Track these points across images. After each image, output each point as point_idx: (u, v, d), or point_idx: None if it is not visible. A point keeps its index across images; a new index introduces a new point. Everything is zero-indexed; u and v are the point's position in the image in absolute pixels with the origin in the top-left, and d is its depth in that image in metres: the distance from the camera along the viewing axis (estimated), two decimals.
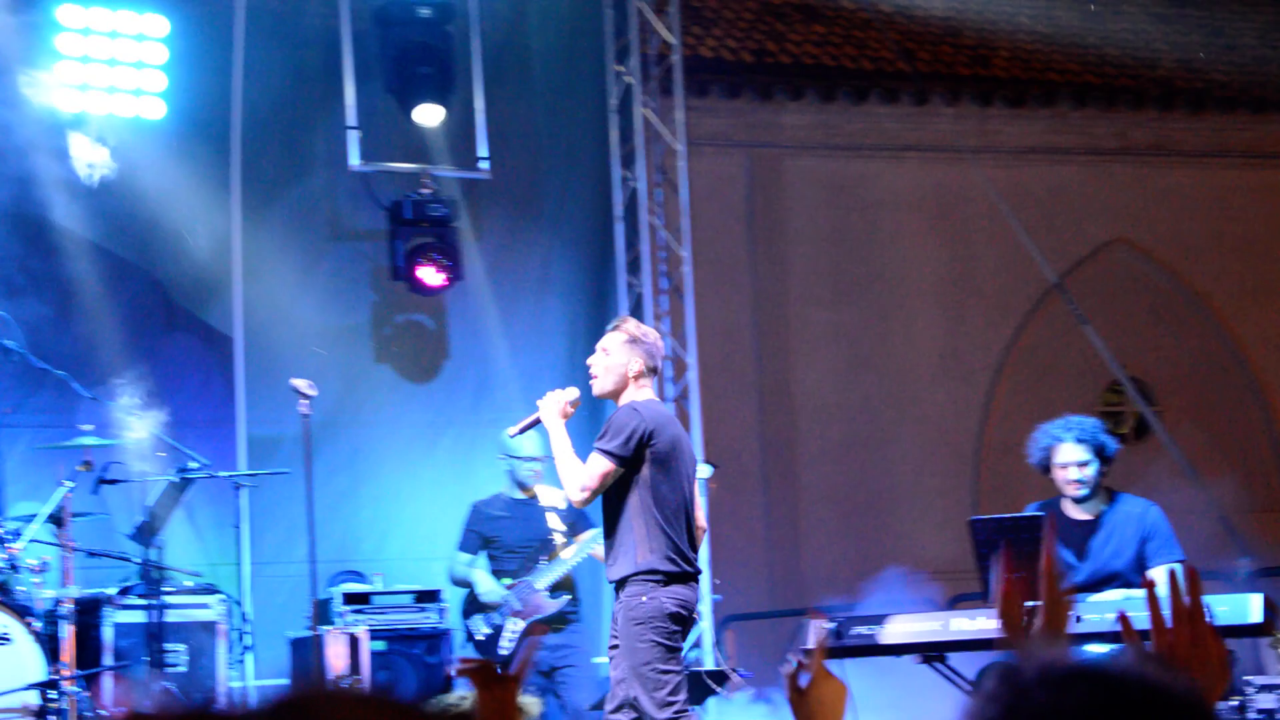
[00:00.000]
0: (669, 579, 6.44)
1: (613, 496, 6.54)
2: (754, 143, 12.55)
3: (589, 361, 6.70)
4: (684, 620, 6.53)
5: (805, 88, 12.67)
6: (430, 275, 10.39)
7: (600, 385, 6.63)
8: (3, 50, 9.63)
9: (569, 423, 6.65)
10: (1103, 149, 13.62)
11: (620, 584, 6.51)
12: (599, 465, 6.48)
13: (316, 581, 8.33)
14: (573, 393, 6.67)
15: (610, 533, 6.56)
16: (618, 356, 6.57)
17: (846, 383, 12.47)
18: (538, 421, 6.70)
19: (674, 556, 6.46)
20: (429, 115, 10.37)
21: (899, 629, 6.47)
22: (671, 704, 6.32)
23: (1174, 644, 2.13)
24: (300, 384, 8.18)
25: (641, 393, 6.62)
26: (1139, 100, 13.70)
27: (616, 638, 6.52)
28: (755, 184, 12.49)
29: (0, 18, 9.59)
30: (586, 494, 6.50)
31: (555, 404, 6.61)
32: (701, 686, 9.26)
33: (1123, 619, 2.28)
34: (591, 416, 8.56)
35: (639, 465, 6.47)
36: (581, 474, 6.50)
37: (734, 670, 9.81)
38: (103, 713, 7.81)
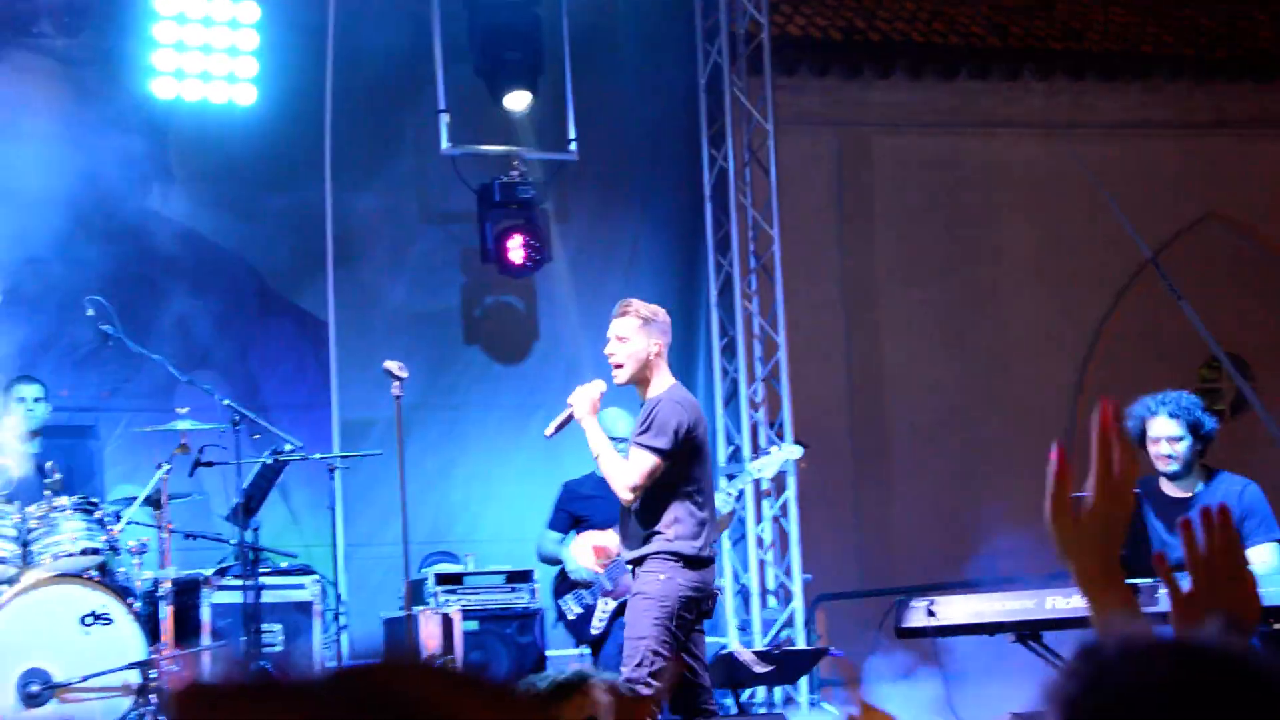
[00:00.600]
0: (688, 562, 6.45)
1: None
2: (843, 121, 12.48)
3: (608, 351, 6.60)
4: (697, 604, 6.52)
5: (895, 65, 12.58)
6: (519, 257, 10.44)
7: (625, 374, 6.56)
8: (103, 39, 9.76)
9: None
10: (1198, 122, 13.43)
11: (639, 560, 6.51)
12: (646, 462, 6.46)
13: (409, 562, 8.39)
14: (599, 386, 6.64)
15: (641, 513, 6.52)
16: (638, 341, 6.52)
17: (938, 361, 12.39)
18: (571, 418, 6.68)
19: (697, 543, 6.46)
20: (517, 101, 10.41)
21: (993, 607, 6.43)
22: (649, 686, 6.31)
23: (1211, 577, 2.09)
24: (392, 366, 8.23)
25: (665, 375, 6.60)
26: (1236, 72, 13.49)
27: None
28: (844, 162, 12.43)
29: (95, 9, 9.73)
30: (635, 492, 6.48)
31: (587, 399, 6.58)
32: (795, 665, 9.24)
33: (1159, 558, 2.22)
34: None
35: (680, 457, 6.47)
36: (629, 472, 6.49)
37: (828, 649, 9.78)
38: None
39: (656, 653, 6.38)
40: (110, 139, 9.79)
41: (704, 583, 6.54)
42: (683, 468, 6.52)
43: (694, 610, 6.53)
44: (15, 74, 9.51)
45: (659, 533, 6.49)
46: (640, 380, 6.56)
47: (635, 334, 6.52)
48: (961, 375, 12.42)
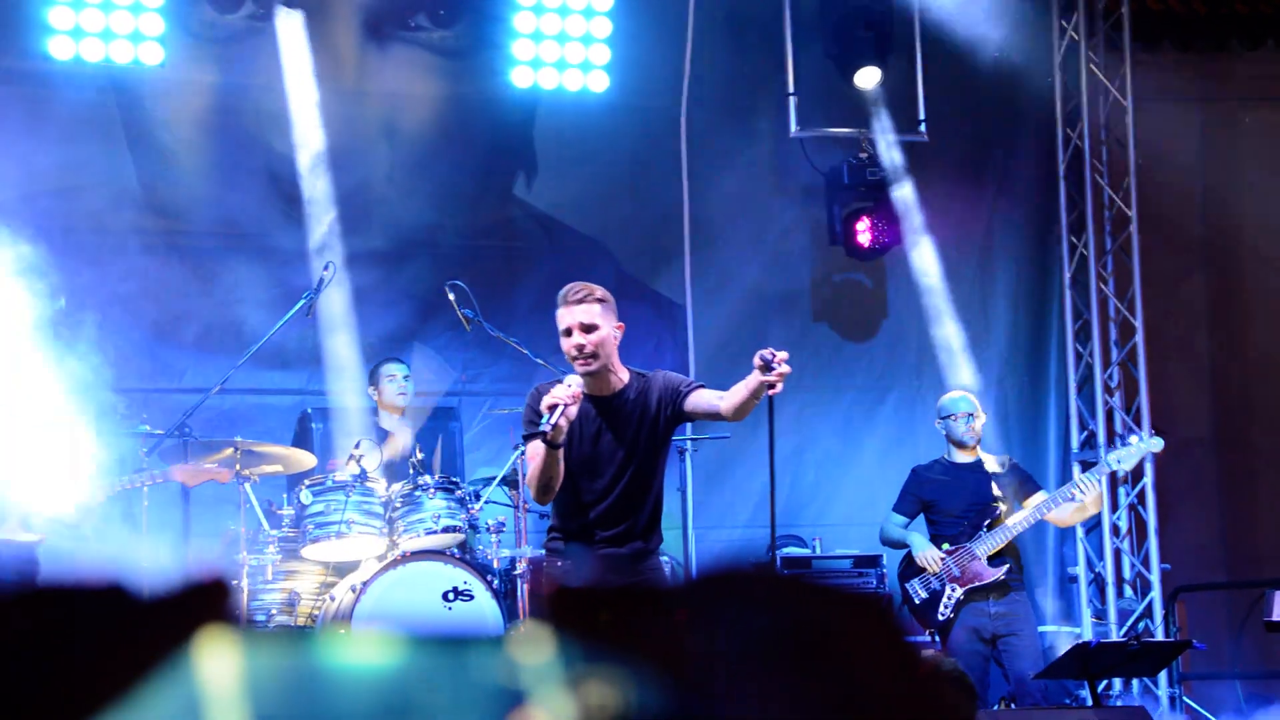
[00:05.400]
0: None
1: (655, 455, 5.97)
2: (1207, 96, 11.99)
3: (575, 345, 5.74)
4: None
5: (1264, 37, 12.02)
6: (867, 240, 10.42)
7: (597, 365, 5.77)
8: (473, 30, 10.08)
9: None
10: None
11: (649, 553, 5.99)
12: None
13: (758, 546, 8.45)
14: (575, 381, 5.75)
15: (654, 499, 6.00)
16: (605, 327, 5.79)
17: None
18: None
19: None
20: (868, 78, 10.35)
21: None
22: None
23: None
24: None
25: (618, 361, 5.92)
26: None
27: None
28: (1207, 139, 11.93)
29: (465, 1, 10.06)
30: None
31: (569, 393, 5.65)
32: (1155, 657, 8.98)
33: None
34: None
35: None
36: None
37: (1190, 641, 9.49)
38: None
39: None
40: (479, 128, 10.13)
41: None
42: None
43: None
44: (395, 67, 9.91)
45: (660, 523, 6.06)
46: (604, 370, 5.82)
47: (605, 318, 5.79)
48: None
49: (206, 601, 1.04)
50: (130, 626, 1.00)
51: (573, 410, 5.58)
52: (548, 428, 5.46)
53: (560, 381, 5.70)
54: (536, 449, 5.67)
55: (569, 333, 5.74)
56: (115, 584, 1.01)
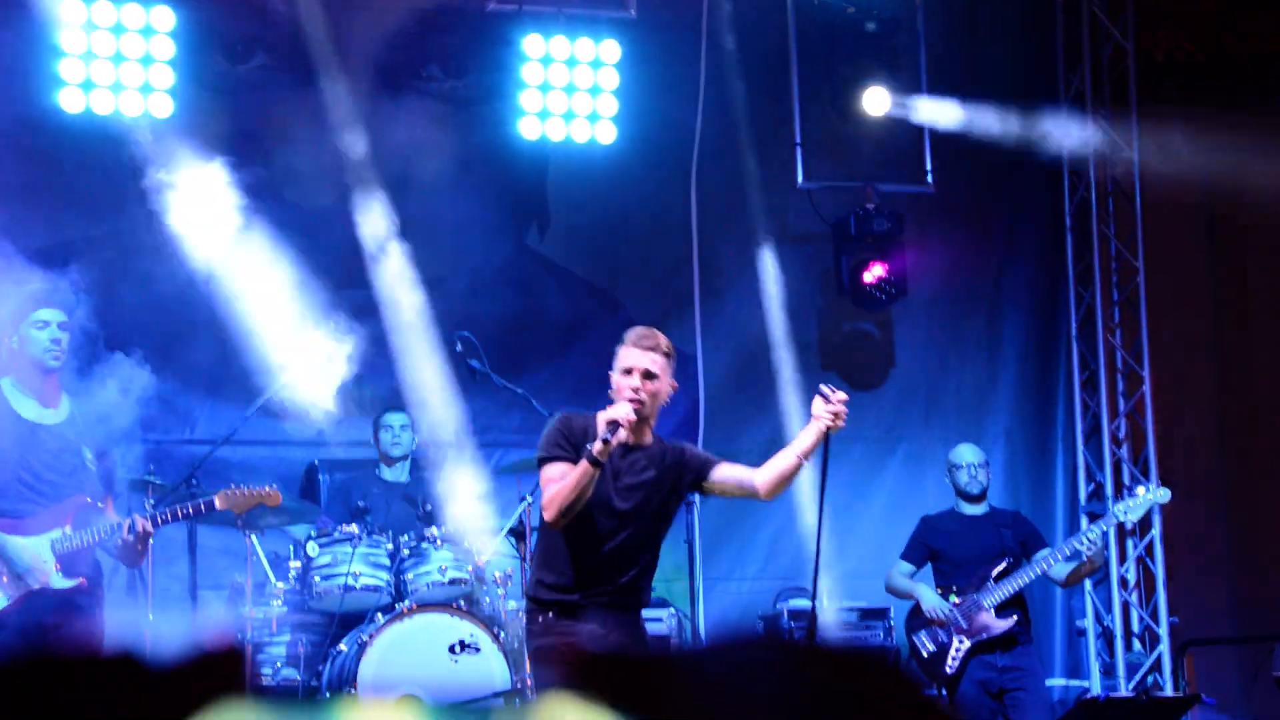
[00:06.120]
0: None
1: (665, 518, 6.03)
2: (1213, 145, 11.99)
3: (632, 386, 5.77)
4: None
5: (1271, 84, 12.03)
6: (874, 290, 10.42)
7: (642, 415, 5.84)
8: (486, 80, 10.11)
9: None
10: None
11: (639, 606, 6.01)
12: None
13: (765, 598, 8.40)
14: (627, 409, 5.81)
15: (651, 559, 6.00)
16: (664, 381, 5.88)
17: None
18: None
19: None
20: (875, 101, 10.31)
21: None
22: None
23: None
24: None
25: None
26: None
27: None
28: (1214, 189, 11.93)
29: (475, 51, 10.08)
30: None
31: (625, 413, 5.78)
32: (1163, 712, 8.95)
33: None
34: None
35: None
36: None
37: (1199, 696, 9.44)
38: None
39: None
40: (491, 178, 10.14)
41: None
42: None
43: None
44: (408, 117, 9.91)
45: (651, 582, 6.04)
46: (643, 421, 5.88)
47: (665, 373, 5.87)
48: None
49: (220, 671, 1.04)
50: (143, 697, 1.00)
51: (623, 434, 5.64)
52: (608, 437, 5.57)
53: (591, 415, 5.80)
54: (561, 470, 5.73)
55: (629, 373, 5.80)
56: (127, 653, 1.01)
